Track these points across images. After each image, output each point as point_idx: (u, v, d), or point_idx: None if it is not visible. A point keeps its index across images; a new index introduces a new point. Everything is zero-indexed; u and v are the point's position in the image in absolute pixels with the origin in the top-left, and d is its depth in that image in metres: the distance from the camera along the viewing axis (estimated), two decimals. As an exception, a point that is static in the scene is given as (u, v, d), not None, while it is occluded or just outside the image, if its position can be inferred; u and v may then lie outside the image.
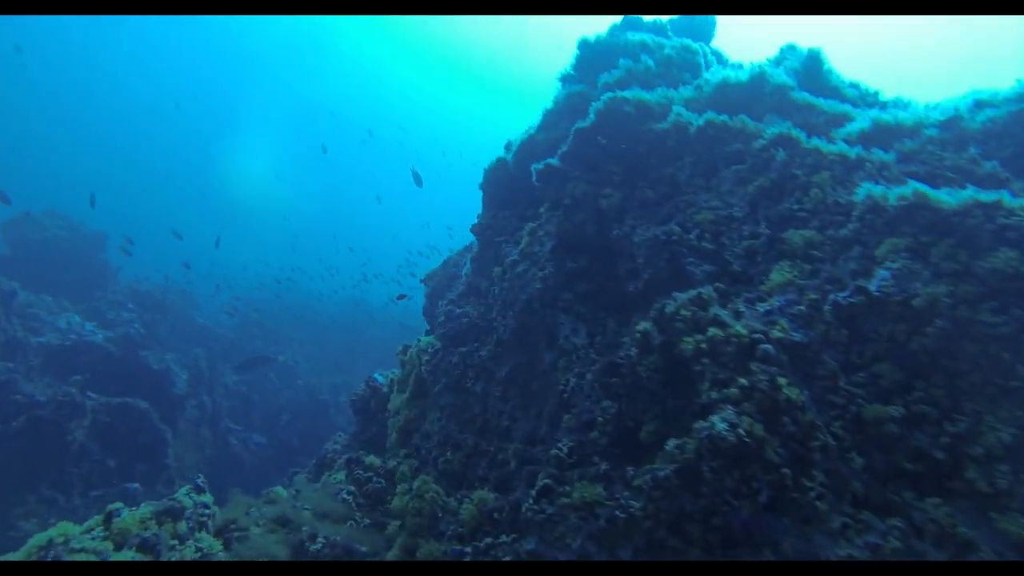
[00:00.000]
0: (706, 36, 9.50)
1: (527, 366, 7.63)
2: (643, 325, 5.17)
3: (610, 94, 6.79)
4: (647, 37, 8.02)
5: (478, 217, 10.52)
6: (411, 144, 71.25)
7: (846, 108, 5.79)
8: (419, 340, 10.77)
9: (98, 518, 6.56)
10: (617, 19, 8.86)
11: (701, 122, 6.08)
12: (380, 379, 13.14)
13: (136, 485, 17.18)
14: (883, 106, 6.18)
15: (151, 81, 74.17)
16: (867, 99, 6.41)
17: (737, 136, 5.87)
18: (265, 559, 6.93)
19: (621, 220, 6.47)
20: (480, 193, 9.46)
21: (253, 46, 75.86)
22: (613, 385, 5.42)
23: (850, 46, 64.61)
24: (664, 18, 9.03)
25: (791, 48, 7.06)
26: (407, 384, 11.06)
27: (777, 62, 6.85)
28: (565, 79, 8.54)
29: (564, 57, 8.89)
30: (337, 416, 24.92)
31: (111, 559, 5.96)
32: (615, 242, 6.47)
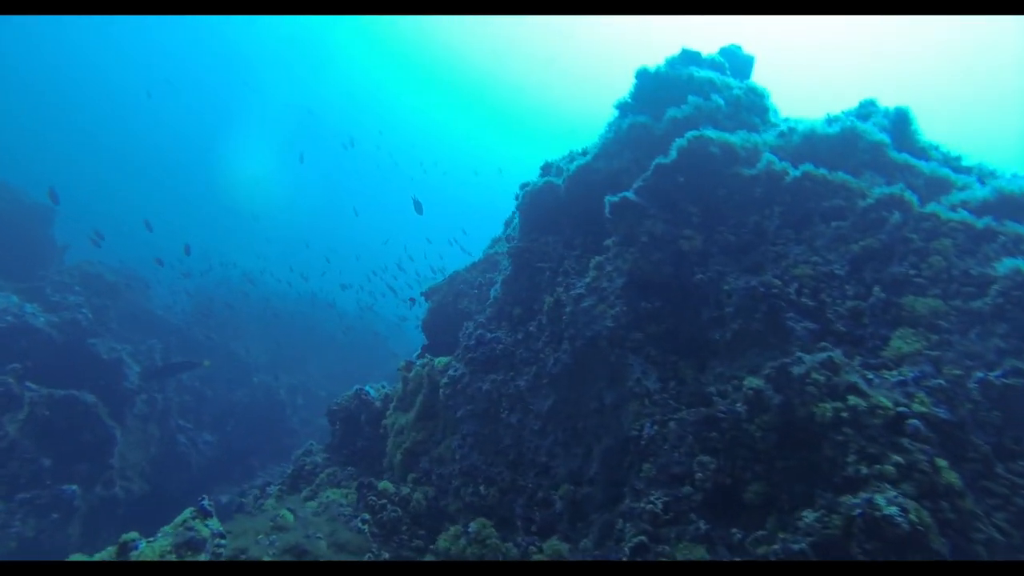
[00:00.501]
0: (745, 73, 9.52)
1: (574, 402, 7.37)
2: (753, 382, 4.99)
3: (694, 132, 6.63)
4: (714, 75, 7.92)
5: (509, 239, 10.21)
6: (391, 152, 71.04)
7: (946, 172, 5.80)
8: (432, 359, 10.35)
9: (111, 550, 5.93)
10: (675, 51, 8.75)
11: (798, 173, 5.98)
12: (372, 392, 12.62)
13: (74, 487, 16.00)
14: (967, 171, 6.23)
15: (139, 79, 71.94)
16: (950, 162, 6.46)
17: (837, 191, 5.79)
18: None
19: (705, 264, 6.31)
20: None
21: (243, 48, 74.69)
22: (712, 440, 5.22)
23: (849, 47, 66.02)
24: (713, 54, 8.95)
25: (871, 103, 7.07)
26: (412, 404, 10.65)
27: (861, 116, 6.84)
28: (623, 108, 8.36)
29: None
30: (293, 418, 24.01)
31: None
32: (697, 287, 6.29)
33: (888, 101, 7.47)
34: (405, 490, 8.84)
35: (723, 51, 9.47)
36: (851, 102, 7.87)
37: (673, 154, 6.69)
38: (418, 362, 11.12)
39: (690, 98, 7.52)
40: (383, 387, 13.41)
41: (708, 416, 5.34)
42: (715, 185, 6.60)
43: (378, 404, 12.20)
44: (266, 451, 22.61)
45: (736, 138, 6.61)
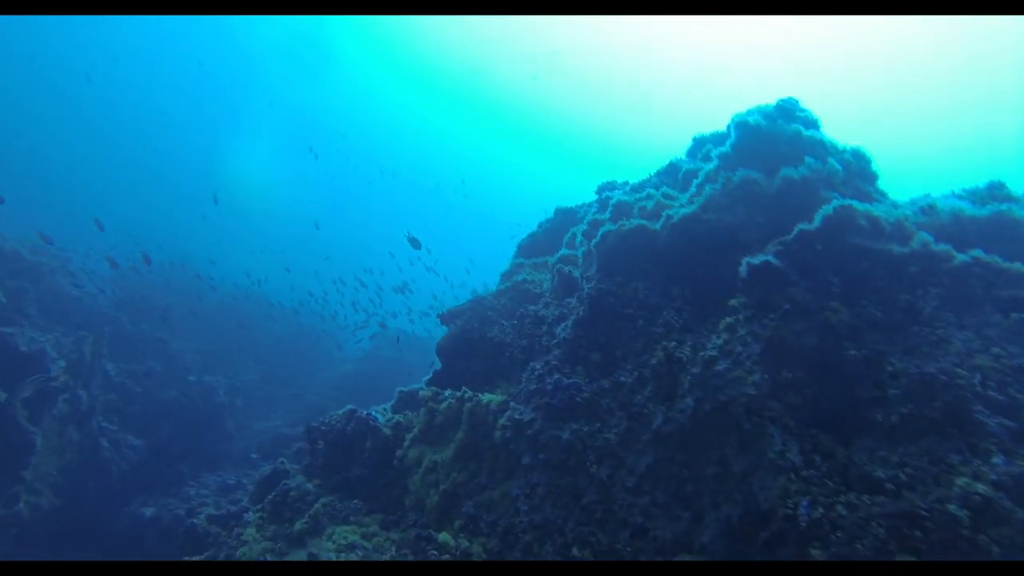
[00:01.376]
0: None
1: (683, 464, 6.91)
2: (978, 487, 4.74)
3: (841, 202, 6.39)
4: (824, 136, 7.74)
5: (562, 274, 9.60)
6: (348, 156, 68.48)
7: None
8: (474, 395, 9.57)
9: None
10: (768, 102, 8.49)
11: (967, 258, 5.84)
12: (379, 418, 11.61)
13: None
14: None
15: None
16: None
17: (1014, 281, 5.68)
18: None
19: (857, 340, 6.03)
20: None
21: (246, 46, 70.70)
22: (914, 539, 4.91)
23: (848, 46, 67.23)
24: (807, 110, 8.74)
25: (1000, 184, 7.06)
26: (444, 439, 9.85)
27: (996, 197, 6.80)
28: (724, 159, 8.02)
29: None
30: (229, 422, 22.04)
31: None
32: (847, 362, 6.00)
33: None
34: (464, 543, 8.04)
35: (781, 103, 9.33)
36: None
37: (817, 222, 6.41)
38: (447, 394, 10.30)
39: (807, 159, 7.27)
40: (385, 410, 12.39)
41: (907, 511, 5.03)
42: (856, 257, 6.35)
43: (387, 432, 11.22)
44: (198, 457, 20.62)
45: (880, 211, 6.40)
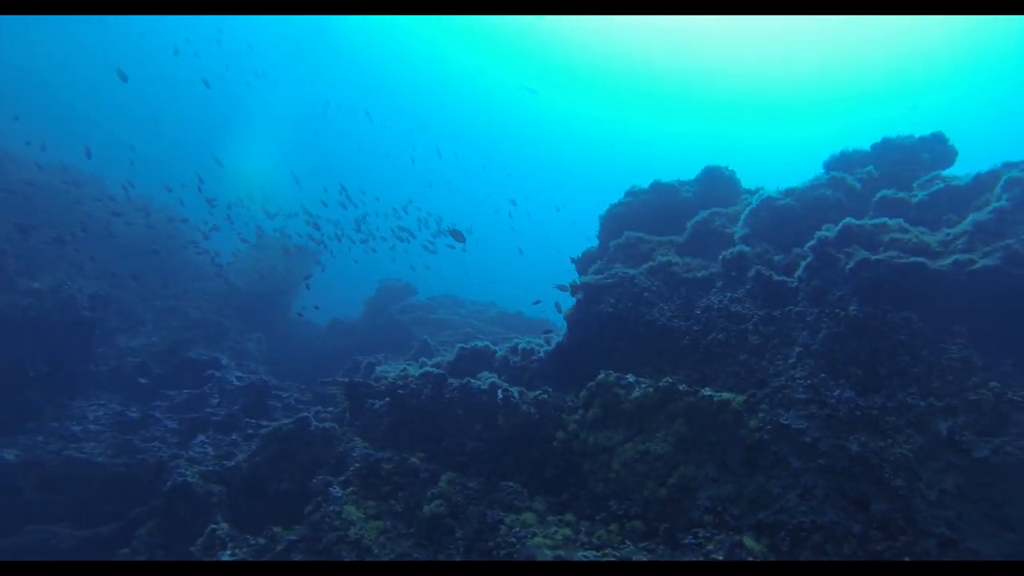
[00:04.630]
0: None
1: (1005, 492, 7.27)
2: None
3: None
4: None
5: (839, 298, 8.86)
6: None
7: None
8: (694, 389, 8.73)
9: None
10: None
11: None
12: (514, 393, 10.07)
13: None
14: None
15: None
16: None
17: None
18: None
19: None
20: None
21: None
22: None
23: (849, 46, 65.87)
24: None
25: None
26: (643, 429, 9.06)
27: None
28: (1000, 212, 8.30)
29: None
30: (91, 338, 16.33)
31: None
32: None
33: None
34: (752, 543, 7.45)
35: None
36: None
37: None
38: (631, 379, 9.20)
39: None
40: (437, 364, 10.66)
41: None
42: None
43: (532, 410, 9.76)
44: (54, 382, 15.03)
45: None
